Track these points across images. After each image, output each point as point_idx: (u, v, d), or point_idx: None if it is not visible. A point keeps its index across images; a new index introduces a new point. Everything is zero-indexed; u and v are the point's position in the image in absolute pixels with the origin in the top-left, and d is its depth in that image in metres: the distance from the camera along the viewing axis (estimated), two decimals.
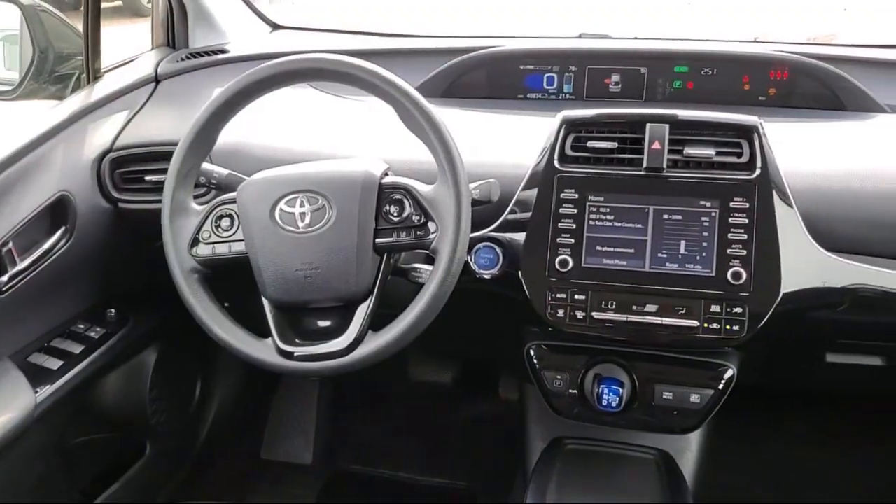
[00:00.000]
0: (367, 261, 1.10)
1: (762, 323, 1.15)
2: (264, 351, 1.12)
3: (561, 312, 1.21)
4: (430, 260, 1.11)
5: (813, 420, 1.94)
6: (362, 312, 1.10)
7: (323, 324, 1.14)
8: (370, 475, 2.08)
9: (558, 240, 1.21)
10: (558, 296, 1.21)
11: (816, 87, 1.46)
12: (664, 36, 1.72)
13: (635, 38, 1.69)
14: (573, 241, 1.21)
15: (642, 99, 1.55)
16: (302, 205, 1.11)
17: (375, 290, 1.11)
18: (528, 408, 1.53)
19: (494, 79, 1.60)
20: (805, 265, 1.16)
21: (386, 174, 1.15)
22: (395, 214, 1.11)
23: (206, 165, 1.24)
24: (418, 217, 1.10)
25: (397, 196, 1.11)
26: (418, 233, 1.11)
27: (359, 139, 1.41)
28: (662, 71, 1.53)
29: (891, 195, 1.20)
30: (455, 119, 1.45)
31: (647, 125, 1.21)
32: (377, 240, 1.11)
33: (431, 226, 1.10)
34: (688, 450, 1.44)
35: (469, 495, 1.99)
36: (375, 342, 1.09)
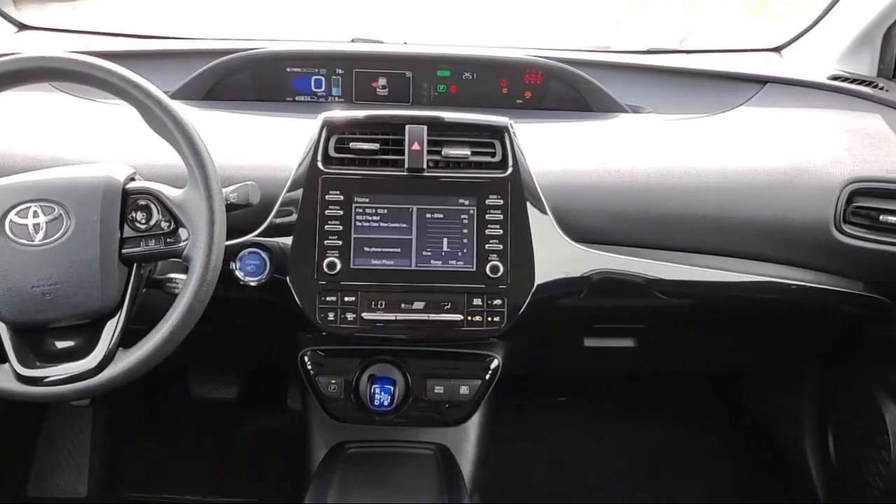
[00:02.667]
0: (114, 273, 1.03)
1: (520, 313, 1.20)
2: None
3: (331, 315, 1.20)
4: (187, 269, 1.06)
5: (582, 403, 2.08)
6: (111, 329, 1.03)
7: (67, 344, 1.05)
8: (152, 502, 1.96)
9: (325, 242, 1.20)
10: (328, 299, 1.20)
11: (566, 90, 1.55)
12: (433, 42, 1.76)
13: (405, 44, 1.72)
14: (340, 242, 1.20)
15: (409, 102, 1.58)
16: (35, 215, 1.02)
17: (125, 305, 1.04)
18: (311, 416, 1.50)
19: (260, 81, 1.56)
20: (556, 256, 1.24)
21: (132, 179, 1.08)
22: (143, 221, 1.05)
23: None
24: (168, 223, 1.05)
25: (143, 202, 1.05)
26: (168, 240, 1.05)
27: (106, 144, 1.32)
28: (427, 75, 1.57)
29: (628, 189, 1.30)
30: (216, 121, 1.41)
31: (407, 127, 1.23)
32: (124, 249, 1.04)
33: (182, 232, 1.05)
34: (466, 441, 1.48)
35: None
36: (126, 360, 1.02)
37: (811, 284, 1.38)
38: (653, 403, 2.11)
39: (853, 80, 1.61)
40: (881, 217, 1.33)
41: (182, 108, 1.06)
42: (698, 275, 1.33)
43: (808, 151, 1.39)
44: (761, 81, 1.61)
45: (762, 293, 1.37)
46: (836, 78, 1.62)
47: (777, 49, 1.83)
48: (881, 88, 1.58)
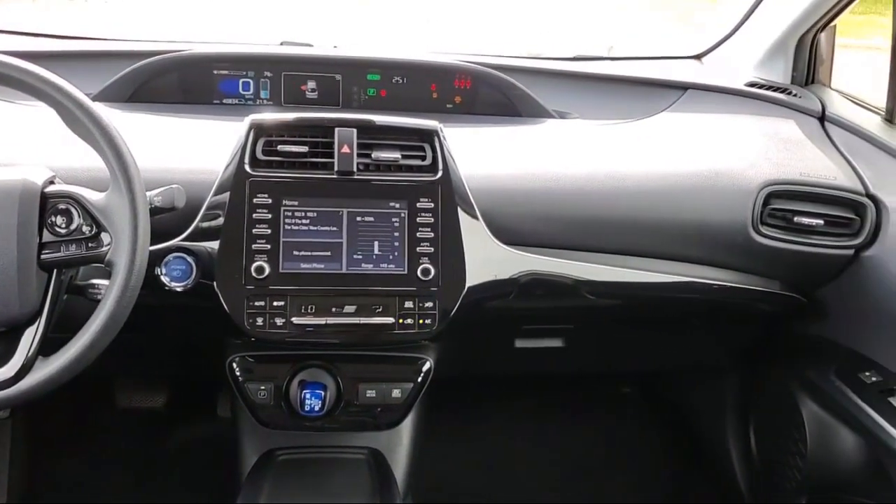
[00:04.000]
0: (32, 279, 1.00)
1: (451, 315, 1.21)
2: None
3: (260, 321, 1.18)
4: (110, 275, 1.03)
5: (513, 404, 2.11)
6: (29, 337, 1.00)
7: None
8: None
9: (253, 246, 1.19)
10: (256, 304, 1.18)
11: (495, 95, 1.57)
12: (364, 46, 1.76)
13: (335, 47, 1.71)
14: (269, 246, 1.19)
15: (339, 105, 1.57)
16: None
17: (44, 312, 1.01)
18: (240, 423, 1.48)
19: (187, 83, 1.53)
20: (486, 259, 1.25)
21: (51, 182, 1.05)
22: (63, 226, 1.02)
23: None
24: (89, 228, 1.02)
25: (63, 206, 1.02)
26: (90, 245, 1.02)
27: (24, 146, 1.27)
28: (356, 78, 1.56)
29: (555, 193, 1.33)
30: (140, 124, 1.38)
31: (336, 130, 1.23)
32: (42, 255, 1.01)
33: (105, 237, 1.02)
34: (399, 445, 1.48)
35: None
36: (46, 369, 0.99)
37: (731, 284, 1.43)
38: (582, 403, 2.15)
39: (769, 87, 1.68)
40: (795, 218, 1.39)
41: (103, 110, 1.03)
42: (624, 275, 1.36)
43: (727, 155, 1.45)
44: (682, 88, 1.66)
45: (685, 293, 1.42)
46: (752, 85, 1.69)
47: (698, 56, 1.90)
48: (794, 95, 1.65)
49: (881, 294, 1.38)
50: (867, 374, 1.45)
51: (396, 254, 1.21)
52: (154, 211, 1.05)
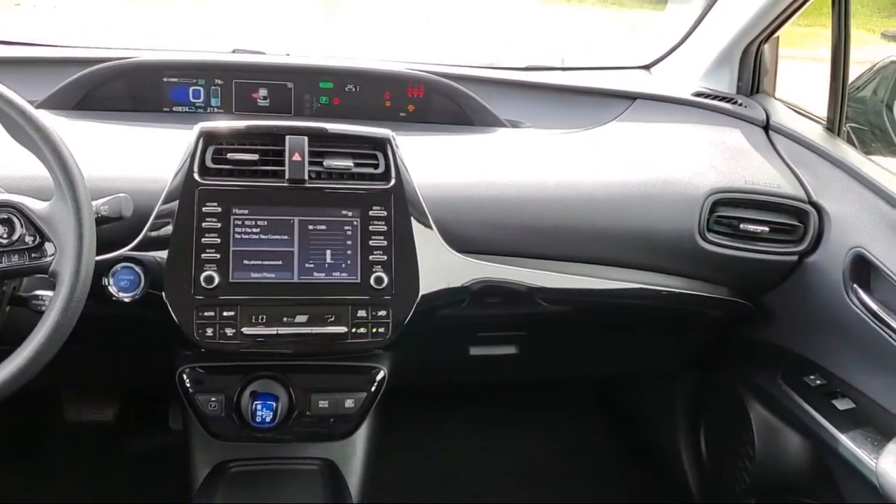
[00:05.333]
0: None
1: (405, 323, 1.21)
2: None
3: (210, 331, 1.17)
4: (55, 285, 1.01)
5: (469, 411, 2.12)
6: None
7: None
8: None
9: (203, 255, 1.17)
10: (206, 314, 1.17)
11: (448, 104, 1.58)
12: (316, 53, 1.76)
13: (287, 55, 1.71)
14: (219, 256, 1.18)
15: (291, 113, 1.56)
16: None
17: None
18: (192, 435, 1.46)
19: (136, 91, 1.51)
20: (440, 267, 1.25)
21: None
22: (4, 236, 1.00)
23: None
24: (32, 238, 1.00)
25: (4, 215, 1.00)
26: (33, 255, 1.00)
27: None
28: (308, 86, 1.56)
29: (506, 201, 1.34)
30: (87, 132, 1.36)
31: (287, 137, 1.22)
32: None
33: (49, 247, 1.00)
34: (353, 455, 1.47)
35: None
36: None
37: (680, 290, 1.46)
38: (537, 409, 2.17)
39: (715, 97, 1.71)
40: (741, 225, 1.42)
41: (47, 117, 1.02)
42: (575, 282, 1.38)
43: (674, 164, 1.47)
44: (631, 97, 1.68)
45: (635, 299, 1.44)
46: (699, 94, 1.72)
47: (647, 67, 1.93)
48: (740, 104, 1.69)
49: (824, 299, 1.42)
50: (812, 377, 1.48)
51: (349, 262, 1.21)
52: (100, 220, 1.04)
